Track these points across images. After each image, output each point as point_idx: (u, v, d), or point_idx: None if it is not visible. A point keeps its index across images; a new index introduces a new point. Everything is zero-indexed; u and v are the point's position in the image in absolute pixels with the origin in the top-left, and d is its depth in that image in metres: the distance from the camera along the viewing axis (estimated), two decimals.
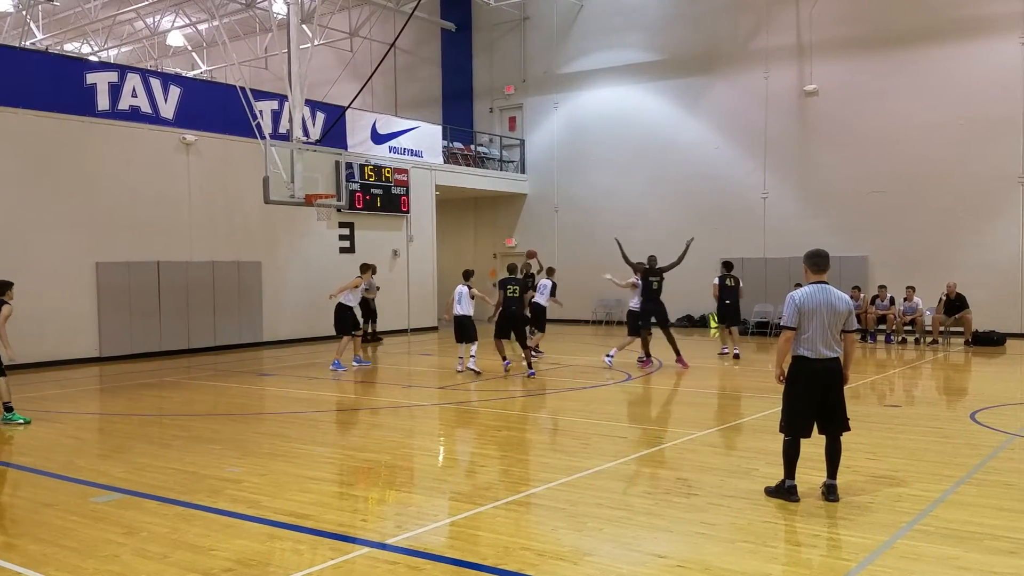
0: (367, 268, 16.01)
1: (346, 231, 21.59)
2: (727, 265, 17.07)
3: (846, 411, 6.48)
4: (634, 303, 15.00)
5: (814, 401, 6.35)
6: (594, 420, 10.02)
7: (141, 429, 9.99)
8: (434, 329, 23.71)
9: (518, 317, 13.93)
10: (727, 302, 16.60)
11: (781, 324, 6.58)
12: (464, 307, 14.09)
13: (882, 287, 19.32)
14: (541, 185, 26.75)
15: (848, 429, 6.47)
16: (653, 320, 14.85)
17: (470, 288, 14.25)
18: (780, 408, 6.60)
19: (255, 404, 12.18)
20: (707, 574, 4.94)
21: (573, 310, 25.54)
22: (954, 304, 18.21)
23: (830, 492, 6.32)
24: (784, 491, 6.33)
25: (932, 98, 20.16)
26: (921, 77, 20.33)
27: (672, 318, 23.43)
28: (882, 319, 19.06)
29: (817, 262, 6.46)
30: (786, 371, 6.47)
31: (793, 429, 6.39)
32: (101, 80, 16.97)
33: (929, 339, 18.42)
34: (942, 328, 18.38)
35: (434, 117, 26.73)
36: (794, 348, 6.39)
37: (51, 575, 5.07)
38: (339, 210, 18.50)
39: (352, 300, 15.12)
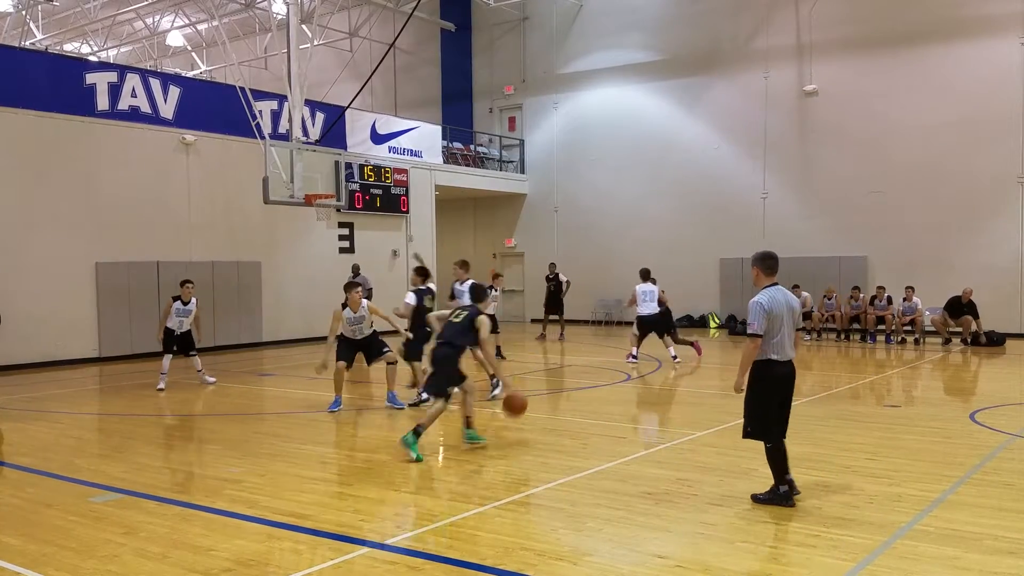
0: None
1: (346, 231, 21.59)
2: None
3: None
4: None
5: (779, 403, 6.36)
6: (594, 420, 10.02)
7: (141, 429, 9.98)
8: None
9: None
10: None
11: (749, 332, 6.32)
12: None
13: (881, 288, 19.31)
14: (541, 185, 26.74)
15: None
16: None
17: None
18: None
19: (255, 404, 12.18)
20: (707, 574, 4.93)
21: (573, 310, 25.55)
22: (963, 309, 18.12)
23: (791, 487, 6.28)
24: (779, 497, 6.25)
25: (932, 98, 20.16)
26: (921, 77, 20.33)
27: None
28: (881, 319, 19.05)
29: (771, 264, 6.46)
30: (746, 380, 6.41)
31: (773, 434, 6.33)
32: (101, 80, 16.97)
33: (941, 339, 18.39)
34: (943, 328, 18.36)
35: (434, 117, 26.72)
36: (761, 352, 6.31)
37: (51, 575, 5.07)
38: (339, 210, 18.49)
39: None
